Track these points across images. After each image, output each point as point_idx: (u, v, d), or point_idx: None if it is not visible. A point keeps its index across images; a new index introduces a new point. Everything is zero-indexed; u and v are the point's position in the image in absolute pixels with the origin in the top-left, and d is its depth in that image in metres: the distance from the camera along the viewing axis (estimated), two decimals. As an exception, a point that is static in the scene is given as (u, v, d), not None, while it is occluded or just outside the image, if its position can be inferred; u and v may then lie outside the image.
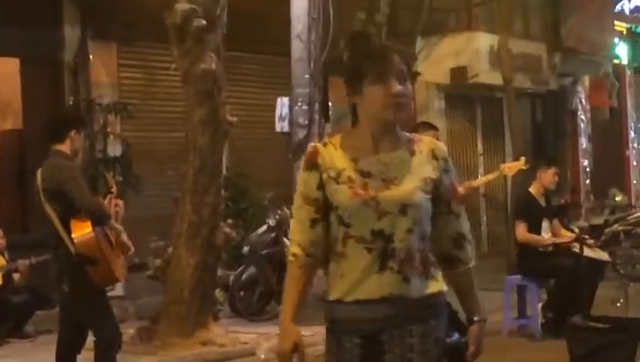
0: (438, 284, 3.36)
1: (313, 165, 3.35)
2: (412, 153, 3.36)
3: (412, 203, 3.27)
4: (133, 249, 6.85)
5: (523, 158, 9.73)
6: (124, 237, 6.74)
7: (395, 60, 3.33)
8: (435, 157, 3.38)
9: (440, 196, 3.37)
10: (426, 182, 3.32)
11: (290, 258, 3.41)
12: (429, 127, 9.16)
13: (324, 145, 3.40)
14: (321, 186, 3.33)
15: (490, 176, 10.28)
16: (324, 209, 3.33)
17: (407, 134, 3.44)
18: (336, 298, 3.31)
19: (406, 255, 3.27)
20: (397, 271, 3.26)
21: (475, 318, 3.44)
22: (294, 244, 3.39)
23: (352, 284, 3.28)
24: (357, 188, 3.27)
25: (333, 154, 3.34)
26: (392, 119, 3.33)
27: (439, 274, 3.38)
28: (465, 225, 3.45)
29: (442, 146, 3.44)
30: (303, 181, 3.37)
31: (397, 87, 3.30)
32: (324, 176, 3.32)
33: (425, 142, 3.42)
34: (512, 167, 9.64)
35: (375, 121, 3.34)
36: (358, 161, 3.32)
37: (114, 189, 6.99)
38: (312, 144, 3.49)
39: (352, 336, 3.30)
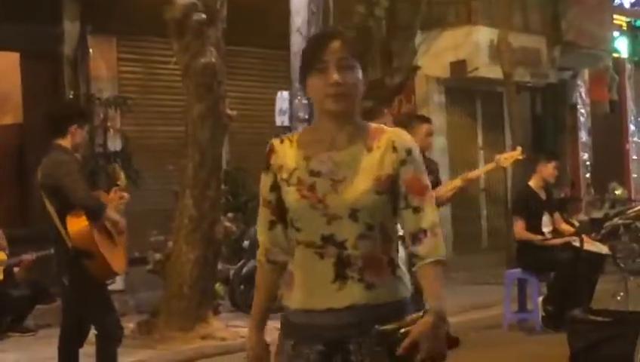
0: (406, 288, 3.13)
1: (267, 165, 3.17)
2: (369, 149, 3.08)
3: (362, 207, 3.02)
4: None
5: (519, 148, 9.72)
6: (122, 225, 6.66)
7: (334, 47, 3.05)
8: (394, 149, 3.07)
9: (398, 191, 3.08)
10: (380, 181, 3.05)
11: (257, 263, 3.32)
12: (423, 120, 9.18)
13: (282, 141, 3.18)
14: (274, 188, 3.15)
15: (488, 167, 10.29)
16: (278, 211, 3.16)
17: (373, 126, 3.16)
18: (295, 304, 3.13)
19: (366, 262, 3.03)
20: (358, 279, 3.03)
21: (428, 309, 3.01)
22: (260, 248, 3.28)
23: (309, 291, 3.08)
24: (304, 190, 3.06)
25: (287, 153, 3.13)
26: (334, 110, 3.06)
27: (406, 277, 3.14)
28: (427, 219, 3.08)
29: (405, 137, 3.13)
30: (262, 181, 3.21)
31: (334, 76, 3.02)
32: (278, 177, 3.14)
33: (387, 134, 3.11)
34: (508, 157, 9.63)
35: (321, 113, 3.12)
36: (311, 160, 3.09)
37: (120, 182, 6.97)
38: (271, 141, 3.22)
39: (312, 343, 3.08)
